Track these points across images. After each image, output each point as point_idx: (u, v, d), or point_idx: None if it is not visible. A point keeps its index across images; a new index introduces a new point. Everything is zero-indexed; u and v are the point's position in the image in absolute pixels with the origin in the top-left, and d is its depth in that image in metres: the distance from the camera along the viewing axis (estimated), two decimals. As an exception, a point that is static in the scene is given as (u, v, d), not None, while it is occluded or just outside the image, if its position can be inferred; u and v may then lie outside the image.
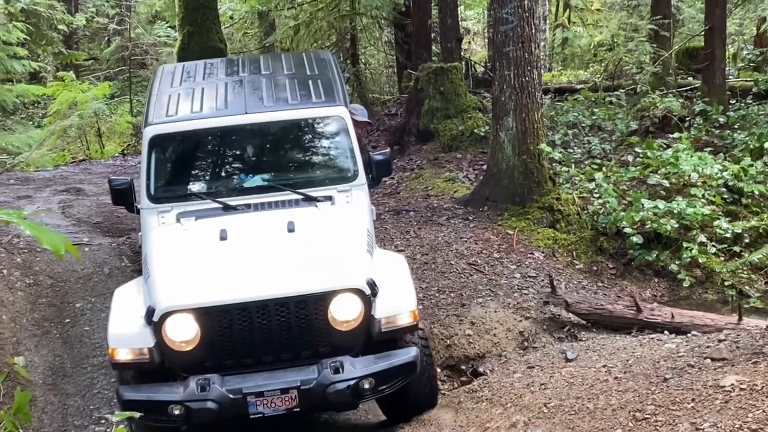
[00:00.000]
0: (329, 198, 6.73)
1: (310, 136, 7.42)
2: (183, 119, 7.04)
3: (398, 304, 6.03)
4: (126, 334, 5.86)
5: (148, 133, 6.96)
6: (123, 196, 6.92)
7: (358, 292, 5.85)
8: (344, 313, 5.85)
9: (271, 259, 6.11)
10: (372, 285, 5.90)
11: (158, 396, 5.62)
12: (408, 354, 5.92)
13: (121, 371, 6.15)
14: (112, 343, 5.86)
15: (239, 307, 5.75)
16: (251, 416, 5.68)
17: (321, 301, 5.83)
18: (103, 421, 7.24)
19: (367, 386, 5.73)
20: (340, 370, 5.71)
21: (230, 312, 5.75)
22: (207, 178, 7.24)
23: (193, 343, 5.74)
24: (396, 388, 5.95)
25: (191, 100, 7.29)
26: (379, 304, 5.94)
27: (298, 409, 5.74)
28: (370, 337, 5.97)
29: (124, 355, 5.80)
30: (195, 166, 7.39)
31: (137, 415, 3.67)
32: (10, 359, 4.28)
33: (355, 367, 5.76)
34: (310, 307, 5.83)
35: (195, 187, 7.10)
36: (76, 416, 7.69)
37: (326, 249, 6.22)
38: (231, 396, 5.60)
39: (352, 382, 5.69)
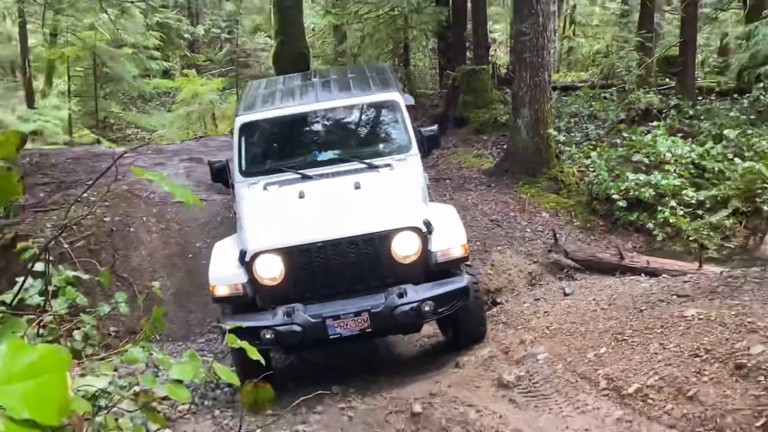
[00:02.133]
0: (388, 165, 6.41)
1: (370, 117, 7.14)
2: (266, 109, 6.82)
3: (451, 239, 5.71)
4: (223, 273, 5.66)
5: (238, 121, 6.72)
6: (220, 174, 6.68)
7: (416, 230, 5.56)
8: (405, 248, 5.57)
9: (342, 208, 5.83)
10: (428, 224, 5.63)
11: (252, 323, 5.33)
12: (462, 281, 5.62)
13: (220, 305, 6.00)
14: (212, 281, 5.66)
15: (317, 246, 5.50)
16: (330, 337, 5.40)
17: (385, 238, 5.54)
18: (215, 330, 7.38)
19: (427, 308, 5.41)
20: (404, 296, 5.40)
21: (309, 251, 5.51)
22: (287, 155, 6.88)
23: (279, 279, 5.52)
24: (453, 310, 5.62)
25: (273, 97, 7.11)
26: (435, 240, 5.64)
27: (370, 330, 5.43)
28: (429, 268, 5.65)
29: (222, 290, 5.63)
30: (277, 146, 7.12)
31: (245, 324, 3.65)
32: (149, 283, 4.39)
33: (417, 293, 5.44)
34: (376, 244, 5.55)
35: (278, 162, 6.71)
36: (196, 326, 7.89)
37: (387, 199, 5.94)
38: (312, 320, 5.33)
39: (415, 305, 5.35)
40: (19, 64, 22.20)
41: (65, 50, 19.85)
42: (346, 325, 5.38)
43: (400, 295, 5.41)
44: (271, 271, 5.53)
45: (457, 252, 5.70)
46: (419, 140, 6.66)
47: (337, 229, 5.57)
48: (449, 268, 5.76)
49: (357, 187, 6.01)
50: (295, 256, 5.53)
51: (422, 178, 6.63)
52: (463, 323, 6.04)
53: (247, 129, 6.71)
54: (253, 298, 5.63)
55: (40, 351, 0.71)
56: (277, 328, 5.31)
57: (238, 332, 2.41)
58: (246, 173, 6.51)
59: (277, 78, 8.32)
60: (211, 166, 6.78)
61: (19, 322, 2.00)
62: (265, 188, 6.29)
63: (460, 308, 5.77)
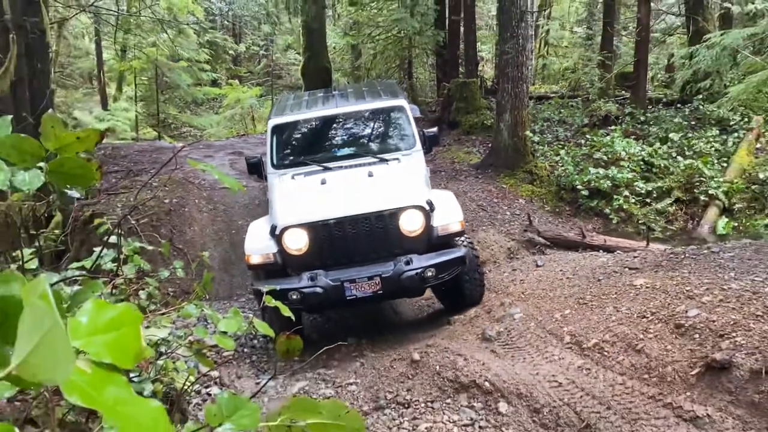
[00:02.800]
0: (396, 159, 6.26)
1: (381, 119, 6.93)
2: (294, 113, 6.68)
3: (450, 217, 5.56)
4: (257, 245, 5.54)
5: (271, 123, 6.58)
6: (255, 167, 6.52)
7: (420, 208, 5.44)
8: (411, 223, 5.44)
9: (358, 191, 5.66)
10: (430, 204, 5.51)
11: (282, 285, 5.13)
12: (459, 251, 5.45)
13: (254, 271, 5.85)
14: (248, 251, 5.54)
15: (336, 222, 5.39)
16: (347, 298, 5.25)
17: (394, 215, 5.41)
18: (252, 292, 7.37)
19: (430, 274, 5.24)
20: (410, 263, 5.26)
21: (329, 225, 5.40)
22: (312, 151, 6.65)
23: (304, 249, 5.42)
24: (452, 276, 5.44)
25: (300, 104, 7.00)
26: (436, 217, 5.51)
27: (381, 292, 5.26)
28: (431, 241, 5.50)
29: (256, 259, 5.50)
30: (303, 144, 6.84)
31: (278, 287, 3.61)
32: (200, 253, 4.40)
33: (421, 261, 5.29)
34: (386, 220, 5.42)
35: (303, 157, 6.45)
36: (238, 288, 7.89)
37: (396, 184, 5.80)
38: (332, 283, 5.22)
39: (419, 270, 5.21)
40: (95, 74, 22.21)
41: (133, 63, 19.84)
42: (361, 287, 5.26)
43: (407, 263, 5.28)
44: (297, 242, 5.44)
45: (455, 227, 5.56)
46: (422, 139, 6.55)
47: (353, 207, 5.44)
48: (449, 241, 5.63)
49: (370, 175, 5.91)
50: (318, 229, 5.42)
51: (425, 170, 6.52)
52: (466, 287, 5.93)
53: (278, 129, 6.59)
54: (282, 265, 5.52)
55: (119, 309, 0.72)
56: (303, 290, 5.22)
57: (271, 294, 2.42)
58: (277, 166, 6.38)
59: (304, 92, 8.19)
60: (248, 161, 6.64)
61: (96, 284, 2.01)
62: (292, 178, 6.17)
63: (463, 274, 5.67)
